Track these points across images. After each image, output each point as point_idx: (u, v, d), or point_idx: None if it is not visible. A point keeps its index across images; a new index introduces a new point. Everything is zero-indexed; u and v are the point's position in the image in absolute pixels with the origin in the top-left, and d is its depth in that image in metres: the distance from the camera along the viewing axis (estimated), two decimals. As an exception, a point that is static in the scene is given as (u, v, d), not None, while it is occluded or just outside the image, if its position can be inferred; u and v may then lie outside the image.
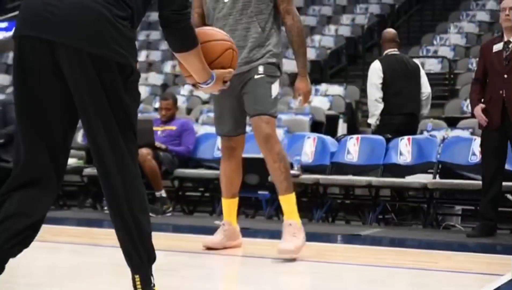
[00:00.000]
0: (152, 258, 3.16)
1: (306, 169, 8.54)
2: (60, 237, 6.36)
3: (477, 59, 7.32)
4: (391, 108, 8.39)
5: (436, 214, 8.17)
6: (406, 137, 8.37)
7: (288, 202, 5.13)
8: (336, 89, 12.62)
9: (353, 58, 15.39)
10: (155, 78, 14.82)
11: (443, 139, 8.49)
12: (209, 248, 5.31)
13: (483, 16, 15.66)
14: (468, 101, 10.81)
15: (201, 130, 9.78)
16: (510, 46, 6.77)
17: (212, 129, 7.78)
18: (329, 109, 11.72)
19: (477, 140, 7.62)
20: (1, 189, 3.04)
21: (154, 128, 8.88)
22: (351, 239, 6.81)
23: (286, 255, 4.89)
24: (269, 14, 5.10)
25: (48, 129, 3.05)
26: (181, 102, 12.15)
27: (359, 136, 8.54)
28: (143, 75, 14.92)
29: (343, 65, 15.14)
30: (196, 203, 9.38)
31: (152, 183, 8.53)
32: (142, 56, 16.33)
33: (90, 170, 9.44)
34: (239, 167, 5.40)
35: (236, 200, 5.48)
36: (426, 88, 8.53)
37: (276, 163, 5.02)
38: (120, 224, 3.12)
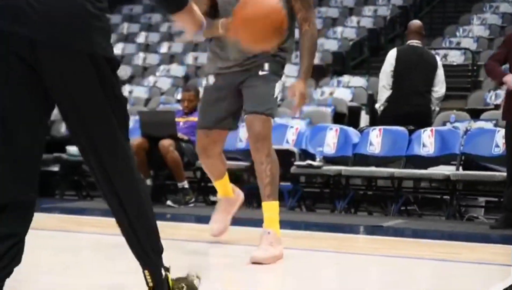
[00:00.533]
0: (159, 251, 3.07)
1: (328, 160, 8.54)
2: (84, 227, 6.39)
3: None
4: (397, 98, 8.40)
5: (459, 205, 8.13)
6: (429, 129, 8.34)
7: (270, 209, 4.74)
8: (358, 81, 12.56)
9: (375, 49, 15.31)
10: (177, 70, 14.82)
11: (466, 131, 8.45)
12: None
13: (506, 7, 15.53)
14: (491, 93, 10.78)
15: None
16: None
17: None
18: (351, 100, 11.67)
19: (501, 132, 7.57)
20: None
21: (176, 120, 8.90)
22: (373, 230, 6.79)
23: (258, 263, 4.50)
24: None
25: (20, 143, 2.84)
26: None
27: (382, 127, 8.51)
28: (165, 67, 14.95)
29: (365, 56, 15.07)
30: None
31: (175, 174, 8.56)
32: (164, 47, 16.35)
33: (113, 161, 9.49)
34: (220, 159, 5.17)
35: (226, 176, 5.34)
36: (440, 88, 8.42)
37: (262, 165, 4.71)
38: (126, 230, 3.00)
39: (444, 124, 9.14)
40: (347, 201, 8.39)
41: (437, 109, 8.56)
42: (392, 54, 8.58)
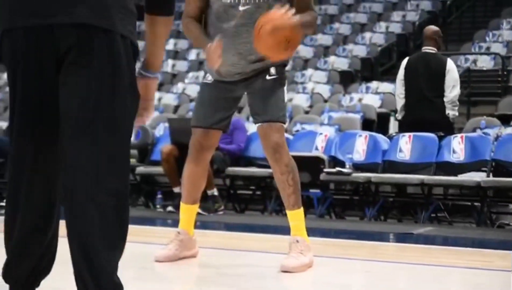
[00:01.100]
0: None
1: (357, 167, 8.53)
2: None
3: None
4: (408, 106, 8.37)
5: (489, 212, 8.08)
6: (459, 135, 8.31)
7: (296, 217, 4.70)
8: (387, 87, 12.53)
9: (404, 55, 15.18)
10: (206, 77, 14.87)
11: (497, 137, 8.40)
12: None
13: (537, 11, 15.46)
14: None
15: (252, 128, 9.80)
16: None
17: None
18: (380, 106, 11.66)
19: (532, 138, 7.53)
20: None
21: (206, 127, 8.92)
22: (403, 237, 6.77)
23: (289, 272, 4.46)
24: None
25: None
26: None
27: (411, 134, 8.48)
28: (194, 74, 15.01)
29: (394, 62, 15.04)
30: (248, 201, 9.41)
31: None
32: (193, 54, 16.41)
33: (142, 169, 9.55)
34: (205, 172, 4.94)
35: (196, 207, 4.92)
36: (450, 92, 8.24)
37: (283, 175, 4.62)
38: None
39: (474, 130, 9.09)
40: (376, 209, 8.37)
41: (455, 114, 8.33)
42: (403, 63, 8.59)
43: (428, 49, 8.45)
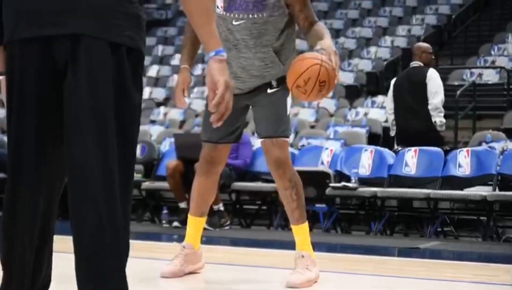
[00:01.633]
0: None
1: (363, 181, 8.52)
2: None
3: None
4: (397, 120, 8.55)
5: (496, 227, 8.06)
6: (465, 149, 8.30)
7: (301, 232, 4.66)
8: (393, 101, 12.53)
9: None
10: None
11: (503, 151, 8.39)
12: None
13: (542, 25, 15.47)
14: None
15: (258, 143, 9.80)
16: None
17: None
18: (386, 121, 11.63)
19: (538, 152, 7.51)
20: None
21: (211, 142, 8.92)
22: (410, 252, 6.76)
23: (295, 288, 4.44)
24: (285, 37, 4.55)
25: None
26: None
27: (417, 148, 8.47)
28: (199, 89, 15.01)
29: (399, 76, 15.06)
30: (254, 216, 9.40)
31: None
32: (198, 69, 16.44)
33: (148, 184, 9.56)
34: (215, 186, 4.87)
35: (203, 220, 4.89)
36: (432, 98, 8.30)
37: (287, 190, 4.58)
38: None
39: (480, 144, 9.08)
40: (382, 223, 8.36)
41: (441, 120, 8.34)
42: (393, 80, 8.87)
43: (414, 64, 8.64)
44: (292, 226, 4.72)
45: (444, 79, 9.59)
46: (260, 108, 4.63)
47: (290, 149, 9.21)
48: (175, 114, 13.70)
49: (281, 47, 4.54)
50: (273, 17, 4.45)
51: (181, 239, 5.08)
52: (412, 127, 8.39)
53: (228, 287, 4.44)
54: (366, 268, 5.17)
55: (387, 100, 8.81)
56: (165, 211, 9.14)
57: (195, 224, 4.84)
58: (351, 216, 9.17)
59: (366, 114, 12.01)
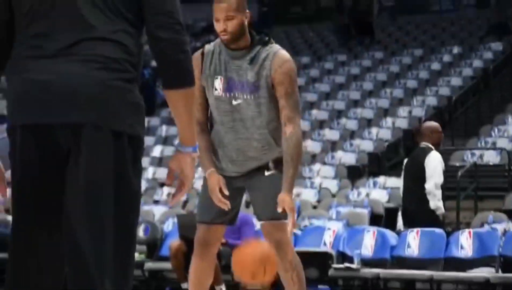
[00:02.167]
0: None
1: (366, 263, 8.48)
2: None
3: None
4: (402, 200, 8.45)
5: (499, 309, 7.99)
6: (467, 230, 8.30)
7: None
8: (395, 182, 12.51)
9: (411, 150, 15.31)
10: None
11: (505, 232, 8.37)
12: None
13: (541, 106, 15.58)
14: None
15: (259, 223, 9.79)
16: None
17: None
18: (388, 201, 11.65)
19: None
20: None
21: (214, 222, 8.91)
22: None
23: None
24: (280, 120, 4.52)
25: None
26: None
27: (419, 229, 8.45)
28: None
29: (401, 157, 15.07)
30: (256, 297, 9.32)
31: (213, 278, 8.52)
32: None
33: (151, 264, 9.50)
34: (212, 267, 4.81)
35: None
36: (427, 183, 8.05)
37: (288, 273, 4.54)
38: None
39: (482, 225, 9.07)
40: (385, 304, 8.30)
41: (436, 204, 8.00)
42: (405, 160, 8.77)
43: (422, 144, 8.48)
44: None
45: (445, 160, 9.62)
46: (257, 191, 4.62)
47: (293, 230, 9.22)
48: (178, 194, 13.67)
49: (276, 130, 4.54)
50: (266, 99, 4.48)
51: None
52: (410, 207, 8.34)
53: None
54: None
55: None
56: (167, 292, 9.08)
57: None
58: (354, 298, 9.10)
59: (368, 195, 12.00)
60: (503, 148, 13.40)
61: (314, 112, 16.84)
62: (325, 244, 8.96)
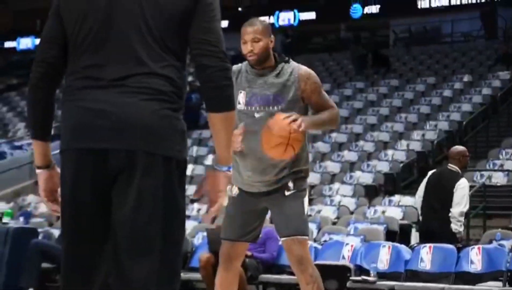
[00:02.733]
0: None
1: (381, 276, 8.44)
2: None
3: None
4: (422, 214, 8.34)
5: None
6: (476, 246, 8.24)
7: None
8: (409, 200, 12.47)
9: (424, 171, 15.18)
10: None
11: (512, 248, 8.32)
12: None
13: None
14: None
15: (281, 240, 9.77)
16: None
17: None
18: (402, 219, 11.59)
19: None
20: None
21: (241, 236, 8.92)
22: None
23: None
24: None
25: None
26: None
27: (432, 244, 8.40)
28: (230, 187, 15.05)
29: (415, 177, 15.03)
30: (280, 306, 9.30)
31: (239, 288, 8.51)
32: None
33: (182, 275, 9.49)
34: (236, 278, 4.84)
35: None
36: (454, 208, 7.98)
37: (309, 285, 4.56)
38: None
39: (490, 242, 9.00)
40: (400, 315, 8.23)
41: (457, 229, 8.02)
42: (429, 173, 8.58)
43: (450, 166, 8.31)
44: None
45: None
46: (278, 209, 4.63)
47: (314, 244, 9.20)
48: (208, 210, 13.69)
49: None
50: (290, 110, 4.48)
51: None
52: (432, 226, 8.25)
53: None
54: None
55: (420, 188, 8.48)
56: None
57: None
58: (370, 308, 9.03)
59: (383, 212, 11.95)
60: (510, 170, 13.32)
61: (334, 135, 16.83)
62: (343, 258, 8.93)
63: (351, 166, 15.32)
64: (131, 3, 2.63)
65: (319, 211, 12.11)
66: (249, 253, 8.81)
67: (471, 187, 12.00)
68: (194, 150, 18.04)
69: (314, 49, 27.11)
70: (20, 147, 19.81)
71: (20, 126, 22.27)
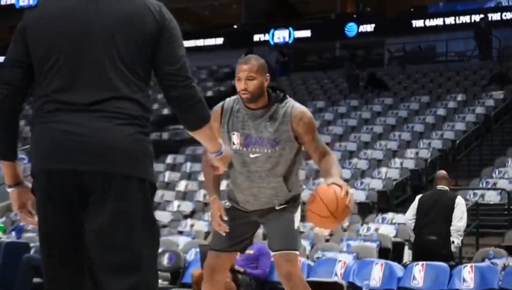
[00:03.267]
0: None
1: (374, 293, 8.42)
2: None
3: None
4: (417, 233, 8.34)
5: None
6: (469, 264, 8.24)
7: None
8: (402, 218, 12.41)
9: (417, 188, 15.26)
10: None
11: (504, 267, 8.30)
12: None
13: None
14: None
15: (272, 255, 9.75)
16: None
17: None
18: (395, 236, 11.59)
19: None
20: None
21: (234, 253, 8.90)
22: None
23: None
24: (294, 165, 4.60)
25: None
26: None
27: (424, 262, 8.40)
28: (223, 202, 15.03)
29: (408, 195, 15.03)
30: (272, 323, 9.26)
31: (231, 304, 8.49)
32: (222, 185, 16.50)
33: (174, 291, 9.48)
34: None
35: None
36: (457, 221, 8.16)
37: None
38: None
39: (483, 260, 8.99)
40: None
41: (459, 242, 8.23)
42: (418, 197, 8.69)
43: (441, 187, 8.48)
44: None
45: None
46: (271, 223, 4.63)
47: (306, 261, 9.18)
48: (201, 226, 13.69)
49: (290, 175, 4.58)
50: (285, 151, 4.50)
51: None
52: (428, 241, 8.27)
53: None
54: None
55: (410, 210, 8.59)
56: (189, 317, 9.04)
57: None
58: (362, 326, 9.01)
59: (377, 230, 11.95)
60: (503, 188, 13.33)
61: (328, 152, 16.82)
62: (336, 275, 8.91)
63: (345, 183, 15.28)
64: (104, 33, 2.71)
65: (312, 228, 12.09)
66: (241, 270, 8.80)
67: (463, 205, 12.06)
68: (187, 166, 18.04)
69: (309, 67, 27.17)
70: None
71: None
